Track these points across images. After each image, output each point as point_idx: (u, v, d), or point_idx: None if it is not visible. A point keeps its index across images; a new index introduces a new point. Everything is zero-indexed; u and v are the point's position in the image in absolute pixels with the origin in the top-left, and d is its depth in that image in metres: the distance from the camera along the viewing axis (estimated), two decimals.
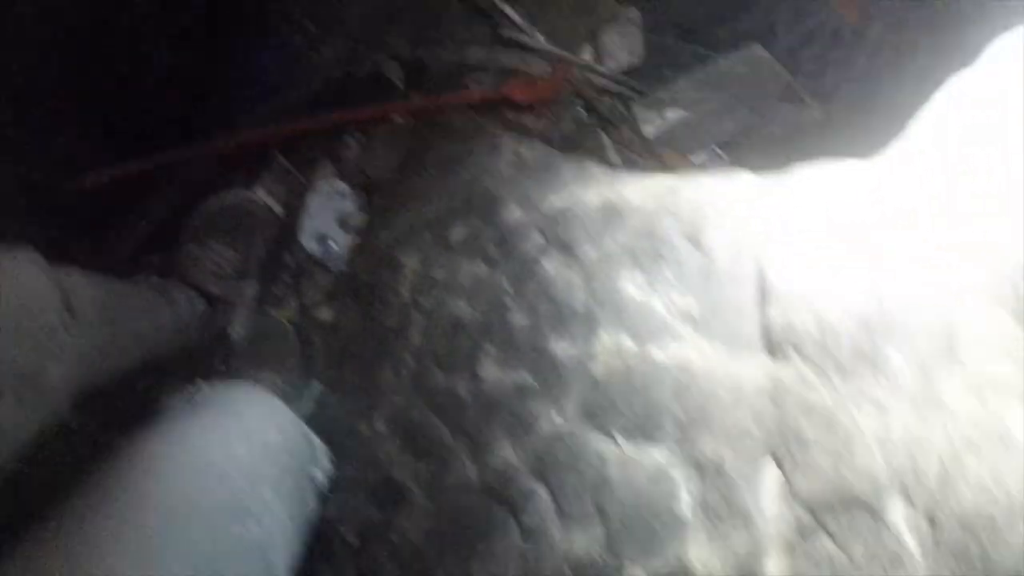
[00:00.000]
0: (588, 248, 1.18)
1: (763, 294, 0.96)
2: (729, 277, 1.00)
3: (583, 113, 1.88)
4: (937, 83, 0.95)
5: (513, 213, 1.36)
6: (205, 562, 0.91)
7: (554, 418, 1.20)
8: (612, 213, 1.16)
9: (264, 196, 1.78)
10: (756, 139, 1.78)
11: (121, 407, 1.40)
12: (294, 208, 1.79)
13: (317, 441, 1.31)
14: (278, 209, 1.79)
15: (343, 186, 1.80)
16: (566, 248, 1.21)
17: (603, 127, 1.87)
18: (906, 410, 0.77)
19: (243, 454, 1.06)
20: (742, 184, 1.06)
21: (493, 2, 1.97)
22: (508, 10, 1.97)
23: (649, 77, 1.84)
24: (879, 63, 1.62)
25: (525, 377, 1.24)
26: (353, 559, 1.44)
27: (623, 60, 1.87)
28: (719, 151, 1.84)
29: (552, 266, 1.22)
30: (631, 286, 1.10)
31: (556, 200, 1.28)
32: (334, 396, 1.61)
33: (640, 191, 1.16)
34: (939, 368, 0.76)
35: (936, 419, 0.74)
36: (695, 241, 1.05)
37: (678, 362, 1.03)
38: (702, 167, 1.85)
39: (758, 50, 1.71)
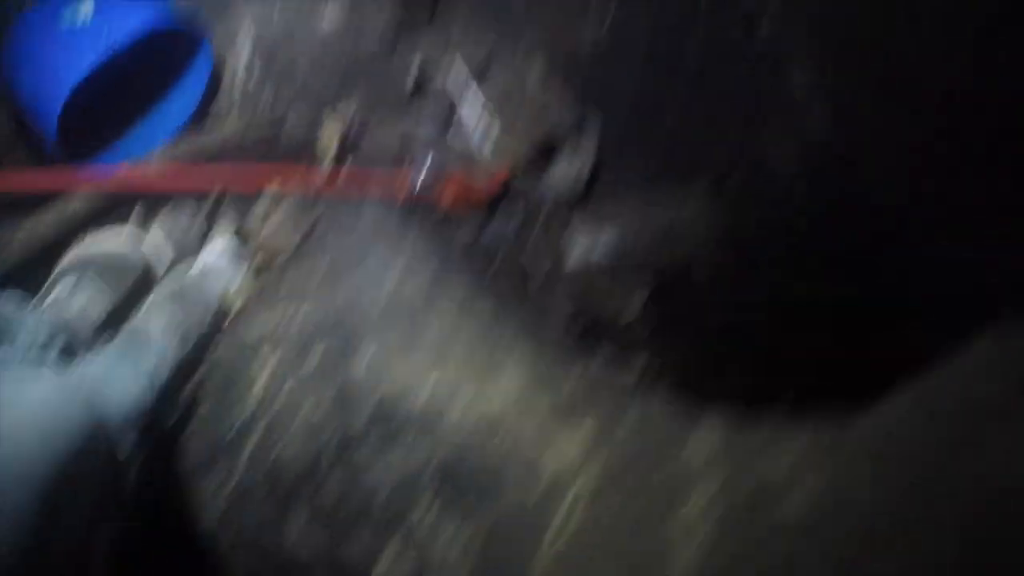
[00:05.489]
0: (401, 453, 1.06)
1: None
2: None
3: (510, 229, 1.76)
4: None
5: (362, 364, 1.25)
6: None
7: None
8: (431, 420, 1.05)
9: (157, 237, 1.67)
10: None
11: None
12: (185, 255, 1.68)
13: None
14: (168, 253, 1.67)
15: (241, 248, 1.69)
16: (386, 441, 1.10)
17: (522, 245, 1.75)
18: None
19: None
20: None
21: (465, 78, 1.85)
22: (474, 89, 1.85)
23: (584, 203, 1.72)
24: None
25: (318, 561, 1.14)
26: None
27: (567, 182, 1.74)
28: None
29: (368, 455, 1.11)
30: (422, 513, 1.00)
31: (398, 376, 1.16)
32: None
33: (482, 411, 1.05)
34: None
35: None
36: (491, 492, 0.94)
37: None
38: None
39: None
